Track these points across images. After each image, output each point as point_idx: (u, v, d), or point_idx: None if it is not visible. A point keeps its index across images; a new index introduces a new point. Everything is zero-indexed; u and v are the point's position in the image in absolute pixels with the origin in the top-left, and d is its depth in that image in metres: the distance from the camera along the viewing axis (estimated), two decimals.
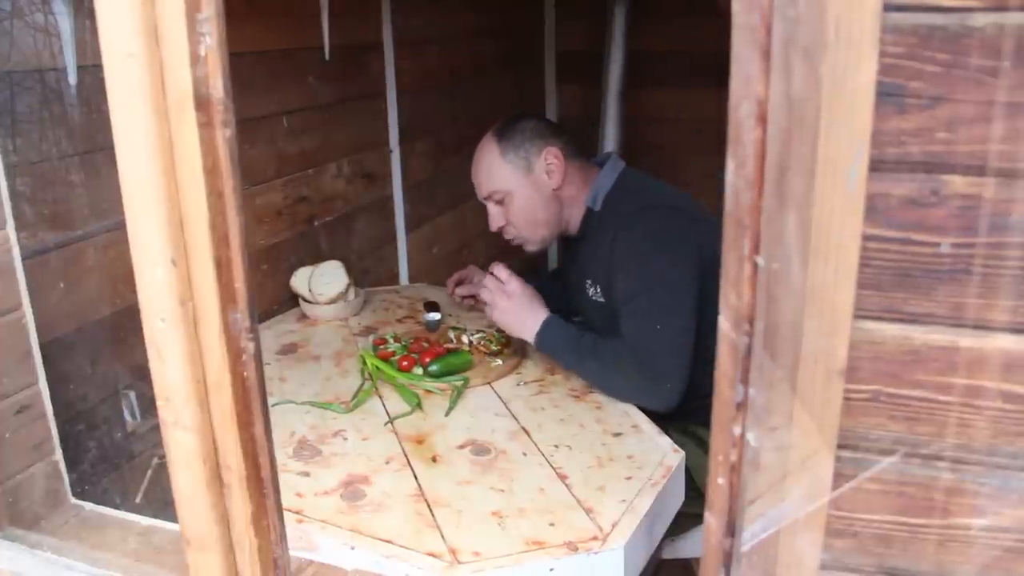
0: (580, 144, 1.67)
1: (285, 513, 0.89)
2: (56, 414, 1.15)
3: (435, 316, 1.76)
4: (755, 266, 0.54)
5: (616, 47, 3.00)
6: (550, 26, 3.26)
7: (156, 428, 0.83)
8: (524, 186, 1.59)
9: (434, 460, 1.25)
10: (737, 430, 0.57)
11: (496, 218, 1.64)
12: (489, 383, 1.50)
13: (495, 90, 2.89)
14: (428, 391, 1.47)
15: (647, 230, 1.48)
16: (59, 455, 1.17)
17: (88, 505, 1.19)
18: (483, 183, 1.63)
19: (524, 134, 1.59)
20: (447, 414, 1.39)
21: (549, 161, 1.58)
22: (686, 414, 1.42)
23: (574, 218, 1.64)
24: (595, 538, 1.05)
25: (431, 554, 1.03)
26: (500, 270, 1.53)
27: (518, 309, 1.49)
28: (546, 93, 3.30)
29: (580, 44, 3.23)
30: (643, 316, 1.42)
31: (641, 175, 1.64)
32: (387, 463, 1.24)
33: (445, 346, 1.62)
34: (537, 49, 3.25)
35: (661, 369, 1.38)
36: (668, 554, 1.54)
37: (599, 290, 1.59)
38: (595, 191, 1.60)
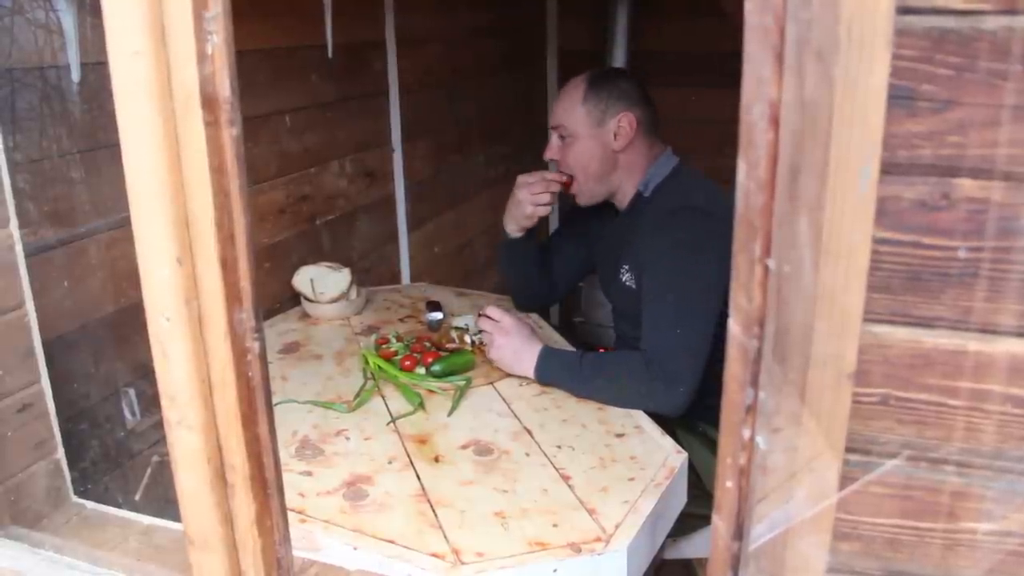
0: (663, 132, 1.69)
1: (288, 513, 0.89)
2: (58, 412, 1.15)
3: (437, 316, 1.76)
4: (766, 269, 0.54)
5: (618, 47, 3.00)
6: (552, 25, 3.26)
7: (156, 426, 0.83)
8: (589, 136, 1.61)
9: (437, 460, 1.25)
10: (746, 433, 0.57)
11: (553, 150, 1.68)
12: (492, 383, 1.50)
13: (497, 89, 2.89)
14: (430, 391, 1.46)
15: (679, 232, 1.48)
16: (61, 453, 1.17)
17: (90, 504, 1.19)
18: (557, 113, 1.66)
19: (612, 91, 1.61)
20: (450, 414, 1.39)
21: (621, 124, 1.60)
22: (694, 413, 1.42)
23: (626, 193, 1.66)
24: (598, 539, 1.05)
25: (434, 554, 1.03)
26: (492, 310, 1.54)
27: (515, 346, 1.49)
28: (548, 92, 3.29)
29: (582, 43, 3.22)
30: (664, 317, 1.43)
31: (693, 173, 1.65)
32: (390, 463, 1.24)
33: (447, 346, 1.62)
34: (539, 48, 3.25)
35: (675, 372, 1.37)
36: (671, 554, 1.54)
37: (633, 276, 1.59)
38: (648, 178, 1.62)
